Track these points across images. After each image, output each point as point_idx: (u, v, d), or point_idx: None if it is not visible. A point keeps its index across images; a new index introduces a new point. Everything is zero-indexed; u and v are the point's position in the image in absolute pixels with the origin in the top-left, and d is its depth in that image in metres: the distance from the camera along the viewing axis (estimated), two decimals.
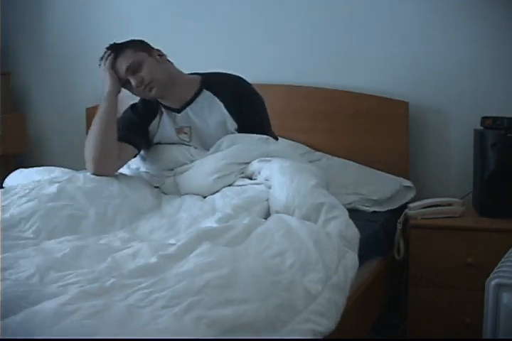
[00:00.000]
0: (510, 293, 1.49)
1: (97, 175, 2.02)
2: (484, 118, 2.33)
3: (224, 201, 1.86)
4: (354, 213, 2.03)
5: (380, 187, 2.40)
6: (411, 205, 2.30)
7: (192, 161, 2.11)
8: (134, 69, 2.04)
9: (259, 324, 1.11)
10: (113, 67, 2.07)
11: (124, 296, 1.14)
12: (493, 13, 2.53)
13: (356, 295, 1.76)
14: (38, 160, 3.20)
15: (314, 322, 1.24)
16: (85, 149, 2.06)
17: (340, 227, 1.66)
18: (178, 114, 2.16)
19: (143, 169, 2.21)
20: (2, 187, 2.21)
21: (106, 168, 2.03)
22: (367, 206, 2.33)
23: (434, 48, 2.62)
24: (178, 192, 2.07)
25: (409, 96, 2.63)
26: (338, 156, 2.63)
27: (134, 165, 2.24)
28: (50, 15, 3.20)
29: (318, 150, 2.67)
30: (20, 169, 2.42)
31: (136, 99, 2.20)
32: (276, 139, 2.23)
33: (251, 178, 2.02)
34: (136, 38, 2.15)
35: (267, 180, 1.93)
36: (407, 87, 2.65)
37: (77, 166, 2.34)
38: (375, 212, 2.32)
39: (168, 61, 2.16)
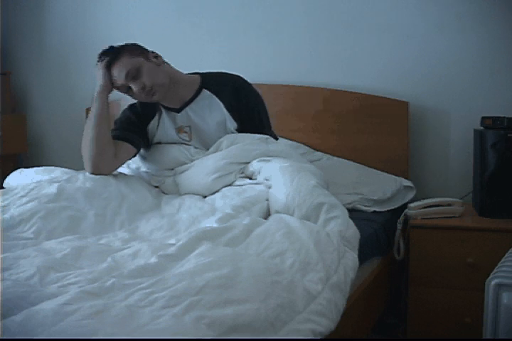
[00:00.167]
0: (510, 293, 1.50)
1: (95, 174, 2.02)
2: (484, 118, 2.33)
3: (224, 201, 1.86)
4: (354, 213, 2.04)
5: (380, 187, 2.40)
6: (411, 205, 2.30)
7: (192, 161, 2.11)
8: (133, 75, 2.03)
9: (259, 324, 1.11)
10: (110, 72, 2.05)
11: (124, 296, 1.14)
12: (494, 14, 2.53)
13: (356, 295, 1.76)
14: (38, 160, 3.21)
15: (314, 322, 1.24)
16: (82, 149, 2.07)
17: (341, 227, 1.66)
18: (178, 114, 2.16)
19: (143, 169, 2.21)
20: (2, 187, 2.21)
21: (103, 166, 2.04)
22: (367, 206, 2.33)
23: (434, 48, 2.62)
24: (178, 191, 2.07)
25: (409, 96, 2.63)
26: (339, 156, 2.64)
27: (134, 164, 2.24)
28: (50, 15, 3.20)
29: (318, 150, 2.67)
30: (21, 169, 2.42)
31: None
32: (277, 139, 2.23)
33: (251, 178, 2.02)
34: (130, 42, 2.12)
35: (266, 179, 1.93)
36: (407, 87, 2.65)
37: (77, 166, 2.34)
38: (375, 212, 2.32)
39: (165, 62, 2.15)
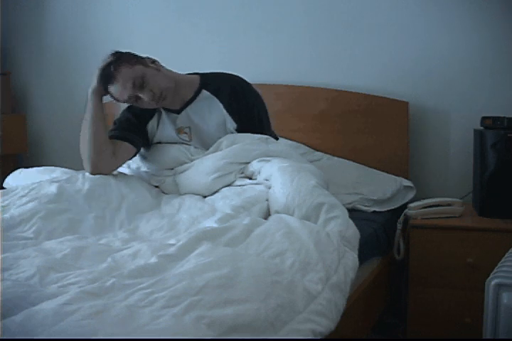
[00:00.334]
0: (510, 293, 1.50)
1: (95, 174, 2.02)
2: (484, 118, 2.33)
3: (224, 201, 1.86)
4: (354, 213, 2.04)
5: (380, 187, 2.40)
6: (411, 205, 2.30)
7: (192, 160, 2.11)
8: (140, 84, 2.00)
9: (259, 324, 1.11)
10: (110, 88, 2.02)
11: (124, 296, 1.14)
12: (494, 13, 2.52)
13: (356, 295, 1.76)
14: (38, 160, 3.21)
15: (314, 322, 1.24)
16: (80, 150, 2.07)
17: (341, 227, 1.66)
18: (178, 115, 2.16)
19: (143, 168, 2.21)
20: (2, 188, 2.21)
21: (102, 166, 2.04)
22: (367, 206, 2.33)
23: (434, 48, 2.61)
24: (178, 191, 2.07)
25: (409, 96, 2.63)
26: (338, 156, 2.63)
27: (135, 164, 2.24)
28: (50, 15, 3.20)
29: (318, 150, 2.67)
30: (21, 169, 2.42)
31: None
32: (277, 139, 2.23)
33: (251, 178, 2.02)
34: (123, 51, 2.07)
35: (266, 180, 1.93)
36: (407, 87, 2.65)
37: (77, 166, 2.34)
38: (375, 211, 2.32)
39: (161, 65, 2.13)
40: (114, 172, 2.09)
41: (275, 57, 2.84)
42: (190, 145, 2.17)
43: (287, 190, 1.79)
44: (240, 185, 1.99)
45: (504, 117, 2.25)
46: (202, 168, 2.03)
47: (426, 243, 2.22)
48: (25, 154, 3.21)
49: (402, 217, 2.29)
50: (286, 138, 2.61)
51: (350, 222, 1.72)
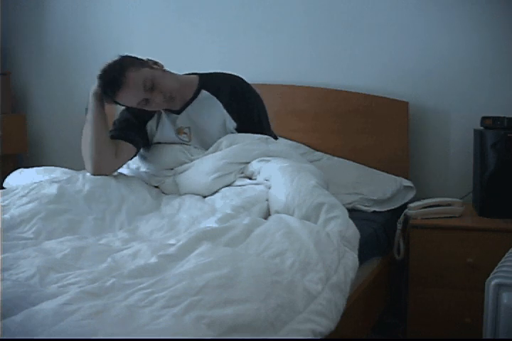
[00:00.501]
0: (510, 293, 1.50)
1: (96, 174, 2.02)
2: (484, 118, 2.33)
3: (224, 202, 1.86)
4: (354, 213, 2.04)
5: (379, 187, 2.40)
6: (411, 205, 2.30)
7: (192, 160, 2.11)
8: (150, 86, 1.99)
9: (259, 324, 1.11)
10: (119, 94, 1.99)
11: (124, 296, 1.14)
12: (494, 13, 2.52)
13: (356, 295, 1.76)
14: (38, 160, 3.21)
15: (314, 322, 1.24)
16: (82, 151, 2.07)
17: (341, 227, 1.66)
18: (178, 115, 2.15)
19: (143, 169, 2.21)
20: (2, 188, 2.21)
21: (104, 167, 2.04)
22: (367, 206, 2.33)
23: (434, 48, 2.61)
24: (178, 191, 2.07)
25: (409, 96, 2.63)
26: (338, 156, 2.63)
27: (134, 164, 2.24)
28: (50, 15, 3.20)
29: (318, 150, 2.67)
30: (21, 169, 2.42)
31: None
32: (276, 138, 2.23)
33: (251, 178, 2.02)
34: (123, 55, 2.06)
35: (266, 180, 1.93)
36: (407, 87, 2.65)
37: (77, 166, 2.34)
38: (375, 211, 2.32)
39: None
40: (115, 173, 2.09)
41: (275, 57, 2.84)
42: (189, 145, 2.17)
43: (287, 190, 1.79)
44: (239, 185, 1.99)
45: (504, 117, 2.25)
46: (202, 168, 2.03)
47: (426, 243, 2.22)
48: (25, 154, 3.21)
49: (402, 217, 2.29)
50: (286, 138, 2.61)
51: (350, 222, 1.71)
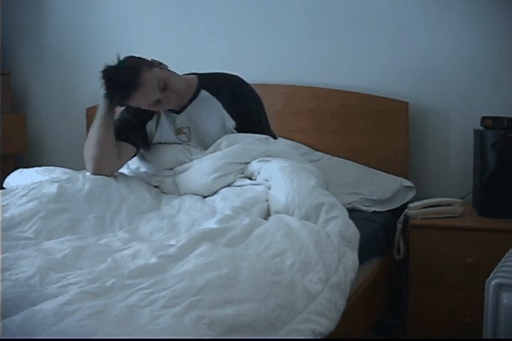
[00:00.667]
0: (510, 293, 1.49)
1: (96, 174, 2.02)
2: (484, 118, 2.33)
3: (224, 203, 1.86)
4: (354, 213, 2.04)
5: (380, 187, 2.40)
6: (411, 205, 2.30)
7: (192, 160, 2.11)
8: (163, 86, 1.99)
9: (259, 324, 1.11)
10: (135, 94, 1.96)
11: (124, 296, 1.14)
12: (494, 14, 2.52)
13: (356, 295, 1.76)
14: (38, 160, 3.21)
15: (314, 322, 1.24)
16: (85, 149, 2.07)
17: (340, 227, 1.66)
18: (178, 115, 2.15)
19: (143, 169, 2.21)
20: (2, 188, 2.21)
21: (106, 167, 2.04)
22: (367, 206, 2.33)
23: (434, 48, 2.61)
24: (178, 191, 2.07)
25: (409, 96, 2.63)
26: (338, 156, 2.63)
27: (134, 164, 2.24)
28: (50, 15, 3.20)
29: (318, 150, 2.67)
30: (20, 169, 2.42)
31: None
32: (275, 138, 2.23)
33: (250, 178, 2.02)
34: (129, 55, 2.03)
35: (266, 180, 1.93)
36: (407, 87, 2.65)
37: (77, 166, 2.35)
38: (375, 212, 2.32)
39: None
40: (115, 173, 2.09)
41: (275, 57, 2.84)
42: (189, 145, 2.17)
43: (287, 191, 1.79)
44: (239, 186, 1.99)
45: (504, 117, 2.25)
46: (201, 168, 2.03)
47: (426, 243, 2.22)
48: (25, 154, 3.21)
49: (402, 217, 2.29)
50: (286, 138, 2.61)
51: (350, 222, 1.71)
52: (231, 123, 2.14)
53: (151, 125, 2.17)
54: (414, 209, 2.27)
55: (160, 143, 2.19)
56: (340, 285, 1.42)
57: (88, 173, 2.05)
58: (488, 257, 1.93)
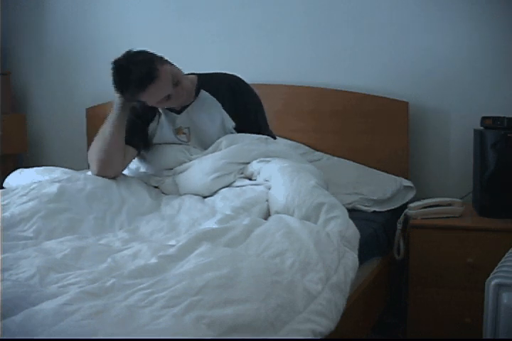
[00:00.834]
0: (510, 293, 1.49)
1: (99, 175, 2.01)
2: (484, 118, 2.33)
3: (224, 203, 1.86)
4: (354, 213, 2.04)
5: (380, 187, 2.40)
6: (411, 205, 2.30)
7: (191, 160, 2.11)
8: (175, 82, 1.99)
9: (259, 324, 1.11)
10: (151, 87, 1.93)
11: (124, 296, 1.14)
12: (494, 14, 2.52)
13: (356, 295, 1.76)
14: (38, 160, 3.21)
15: (314, 322, 1.24)
16: (91, 150, 2.06)
17: (341, 227, 1.66)
18: (178, 115, 2.15)
19: (142, 169, 2.21)
20: (2, 188, 2.21)
21: (110, 170, 2.03)
22: (367, 206, 2.33)
23: (434, 48, 2.61)
24: (178, 191, 2.07)
25: (409, 96, 2.63)
26: (338, 156, 2.64)
27: (134, 165, 2.23)
28: (50, 15, 3.20)
29: (318, 150, 2.67)
30: (21, 169, 2.42)
31: None
32: (274, 138, 2.23)
33: (250, 179, 2.02)
34: (143, 50, 2.00)
35: (266, 180, 1.93)
36: (407, 87, 2.65)
37: (77, 166, 2.35)
38: (375, 212, 2.32)
39: None
40: None
41: (275, 57, 2.84)
42: (189, 145, 2.17)
43: (287, 191, 1.79)
44: (239, 186, 1.99)
45: (504, 117, 2.25)
46: (201, 168, 2.03)
47: (426, 243, 2.22)
48: (25, 154, 3.21)
49: (402, 217, 2.29)
50: (285, 138, 2.61)
51: (350, 222, 1.72)
52: (231, 123, 2.14)
53: (153, 126, 2.17)
54: (414, 209, 2.27)
55: (160, 143, 2.19)
56: (340, 285, 1.43)
57: (89, 173, 2.04)
58: (488, 257, 1.94)
